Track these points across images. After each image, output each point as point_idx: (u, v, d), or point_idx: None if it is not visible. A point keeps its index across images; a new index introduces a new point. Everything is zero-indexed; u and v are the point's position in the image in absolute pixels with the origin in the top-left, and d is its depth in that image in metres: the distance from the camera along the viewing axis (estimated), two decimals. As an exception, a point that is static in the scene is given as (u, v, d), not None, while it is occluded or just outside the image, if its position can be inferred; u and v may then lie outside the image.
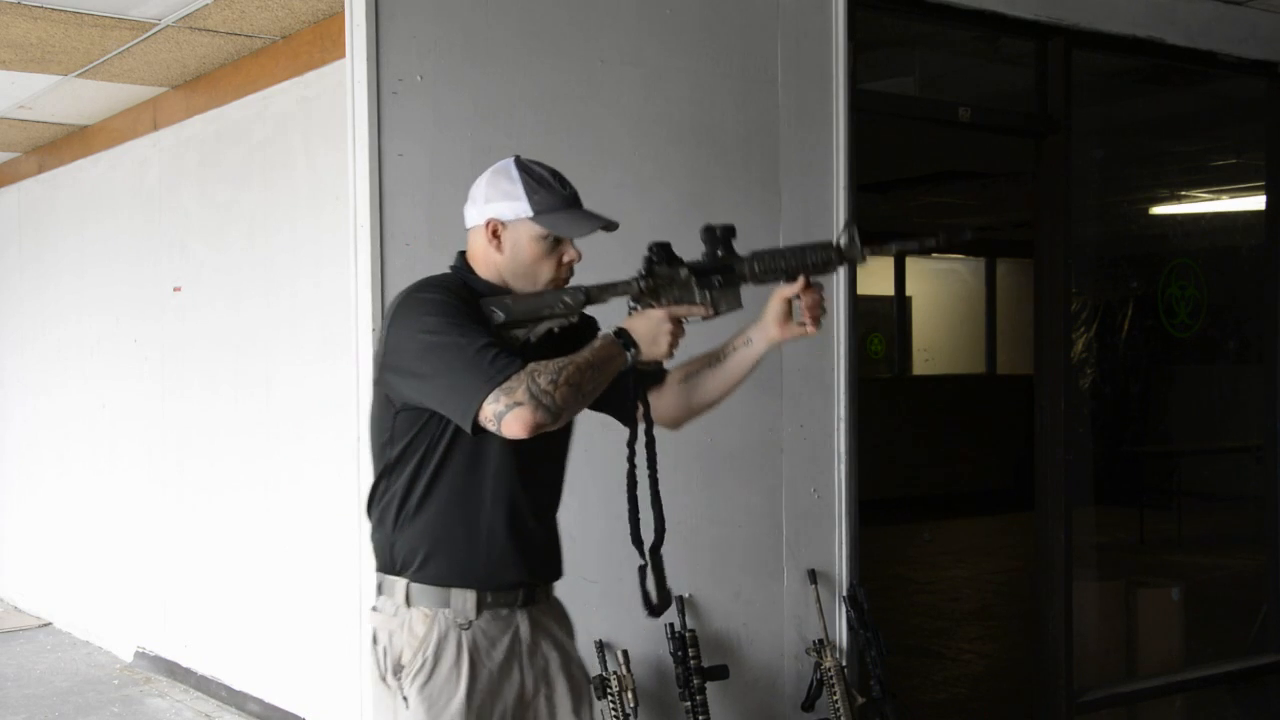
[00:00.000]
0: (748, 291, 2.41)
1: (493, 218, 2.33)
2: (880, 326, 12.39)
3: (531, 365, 2.14)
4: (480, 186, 2.38)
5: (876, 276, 12.09)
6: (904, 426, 11.00)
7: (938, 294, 13.34)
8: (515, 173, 2.34)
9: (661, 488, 2.44)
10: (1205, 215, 6.65)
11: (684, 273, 2.35)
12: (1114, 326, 5.81)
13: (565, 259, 2.36)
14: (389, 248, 3.41)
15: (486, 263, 2.36)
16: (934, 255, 13.02)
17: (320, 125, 4.50)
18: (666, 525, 2.44)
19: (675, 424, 2.58)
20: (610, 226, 2.35)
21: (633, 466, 2.36)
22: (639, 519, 2.39)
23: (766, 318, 2.43)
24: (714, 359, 2.50)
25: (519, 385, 2.11)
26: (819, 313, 2.39)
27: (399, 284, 2.83)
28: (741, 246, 2.42)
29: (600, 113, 3.82)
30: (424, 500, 2.31)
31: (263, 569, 5.00)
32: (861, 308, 4.39)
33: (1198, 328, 5.76)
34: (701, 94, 4.00)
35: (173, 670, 5.61)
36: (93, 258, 6.42)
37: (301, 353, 4.67)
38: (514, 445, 2.26)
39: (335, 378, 4.12)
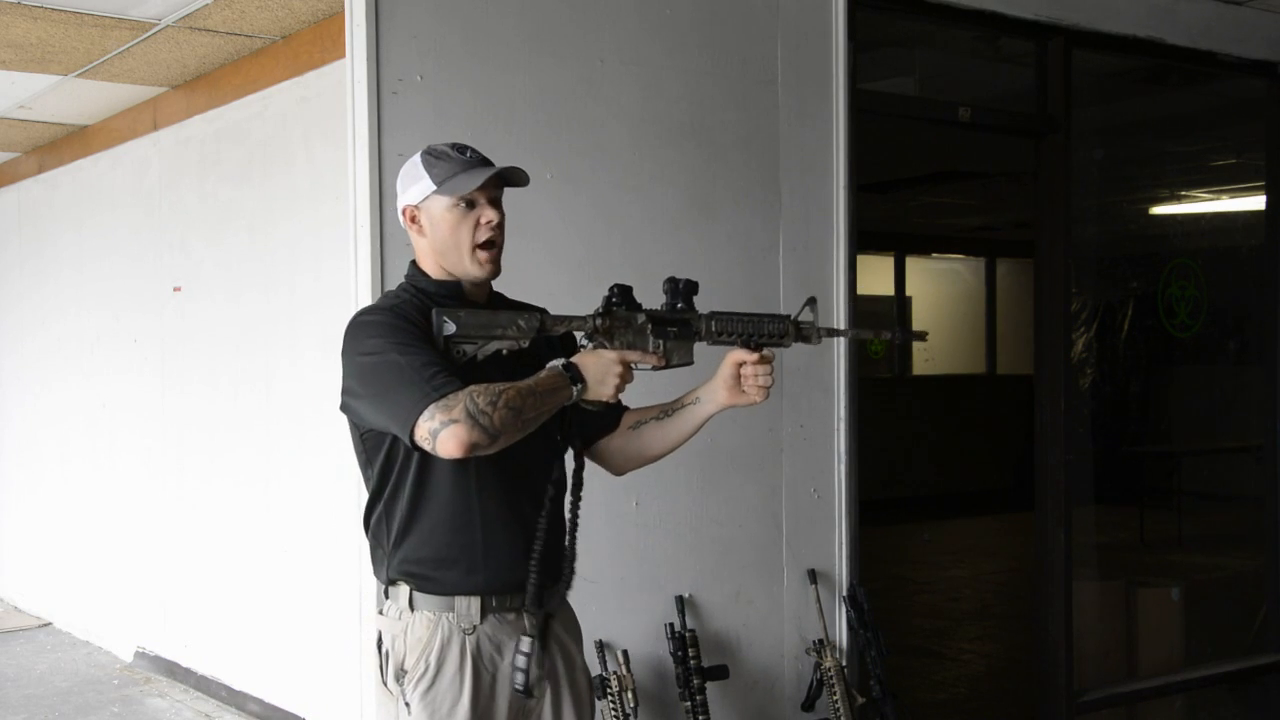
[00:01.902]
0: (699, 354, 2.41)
1: (406, 205, 2.36)
2: (880, 327, 12.38)
3: (472, 386, 2.11)
4: (397, 185, 2.40)
5: (876, 276, 12.08)
6: (904, 426, 11.00)
7: (938, 294, 13.33)
8: (418, 158, 2.35)
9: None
10: (1205, 215, 6.65)
11: (641, 319, 2.34)
12: (1114, 326, 5.81)
13: (483, 220, 2.33)
14: (389, 248, 3.41)
15: (423, 255, 2.37)
16: (934, 255, 13.02)
17: (320, 125, 4.50)
18: (573, 579, 2.41)
19: (620, 471, 2.59)
20: (514, 178, 2.34)
21: (555, 509, 2.36)
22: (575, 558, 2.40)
23: (716, 381, 2.44)
24: (663, 412, 2.50)
25: (457, 403, 2.08)
26: (766, 383, 2.40)
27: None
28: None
29: (600, 112, 3.82)
30: (414, 517, 2.31)
31: (262, 567, 5.00)
32: (861, 308, 4.39)
33: (1198, 328, 5.76)
34: (701, 94, 4.00)
35: (173, 670, 5.62)
36: (92, 255, 6.43)
37: (301, 349, 4.67)
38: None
39: (335, 374, 4.12)
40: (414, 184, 2.34)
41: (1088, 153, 5.20)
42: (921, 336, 2.52)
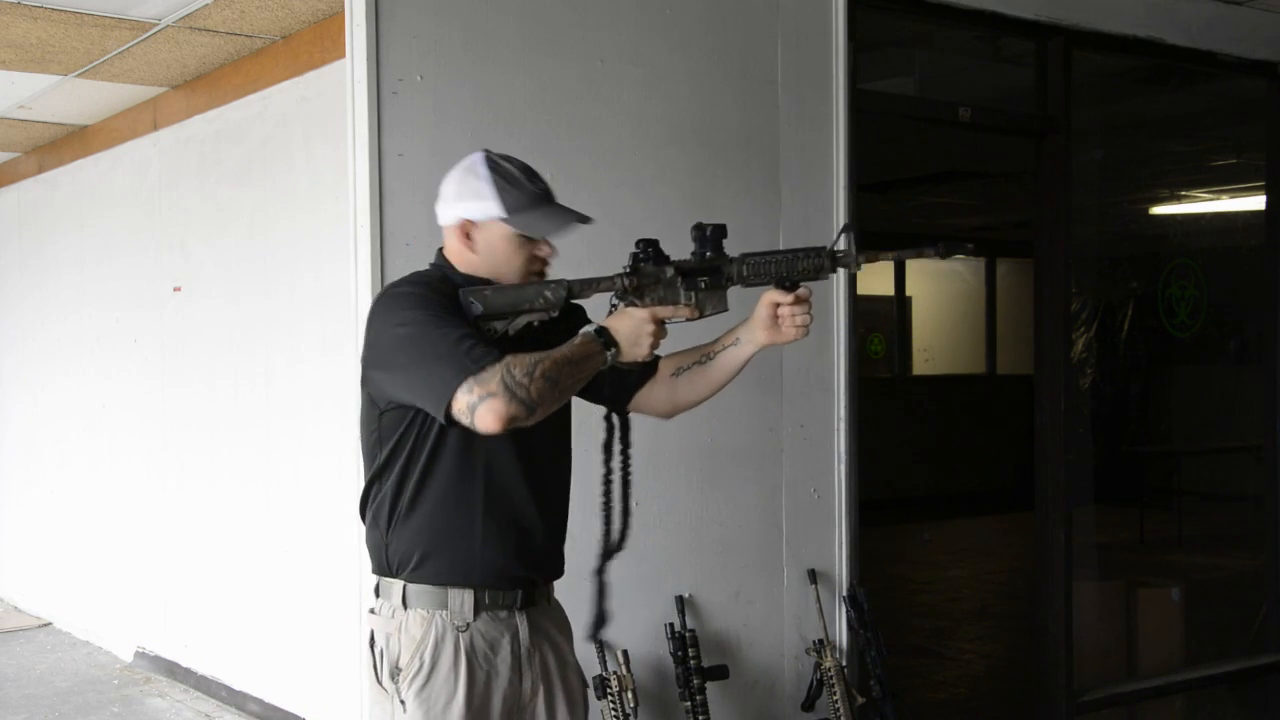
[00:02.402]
0: (736, 292, 2.39)
1: (464, 218, 2.32)
2: (880, 326, 12.38)
3: (508, 358, 2.10)
4: (450, 185, 2.35)
5: (876, 277, 12.09)
6: (904, 426, 11.00)
7: (938, 294, 13.33)
8: (484, 170, 2.31)
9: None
10: (1205, 215, 6.65)
11: (670, 272, 2.31)
12: (1114, 326, 5.82)
13: (539, 254, 2.33)
14: (389, 248, 3.41)
15: (462, 260, 2.35)
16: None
17: (320, 125, 4.50)
18: (628, 533, 2.43)
19: (666, 415, 2.59)
20: (584, 220, 2.33)
21: (608, 471, 2.36)
22: (610, 529, 2.41)
23: (754, 322, 2.41)
24: (704, 356, 2.49)
25: (493, 376, 2.07)
26: (803, 322, 2.37)
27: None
28: (741, 246, 2.41)
29: (600, 112, 3.82)
30: (416, 500, 2.30)
31: (262, 567, 5.00)
32: (861, 308, 4.39)
33: (1198, 328, 5.76)
34: (702, 94, 4.00)
35: (173, 670, 5.62)
36: (92, 255, 6.43)
37: (301, 349, 4.67)
38: (507, 438, 2.24)
39: (335, 373, 4.12)
40: (476, 199, 2.30)
41: (1088, 153, 5.20)
42: (968, 250, 2.50)
